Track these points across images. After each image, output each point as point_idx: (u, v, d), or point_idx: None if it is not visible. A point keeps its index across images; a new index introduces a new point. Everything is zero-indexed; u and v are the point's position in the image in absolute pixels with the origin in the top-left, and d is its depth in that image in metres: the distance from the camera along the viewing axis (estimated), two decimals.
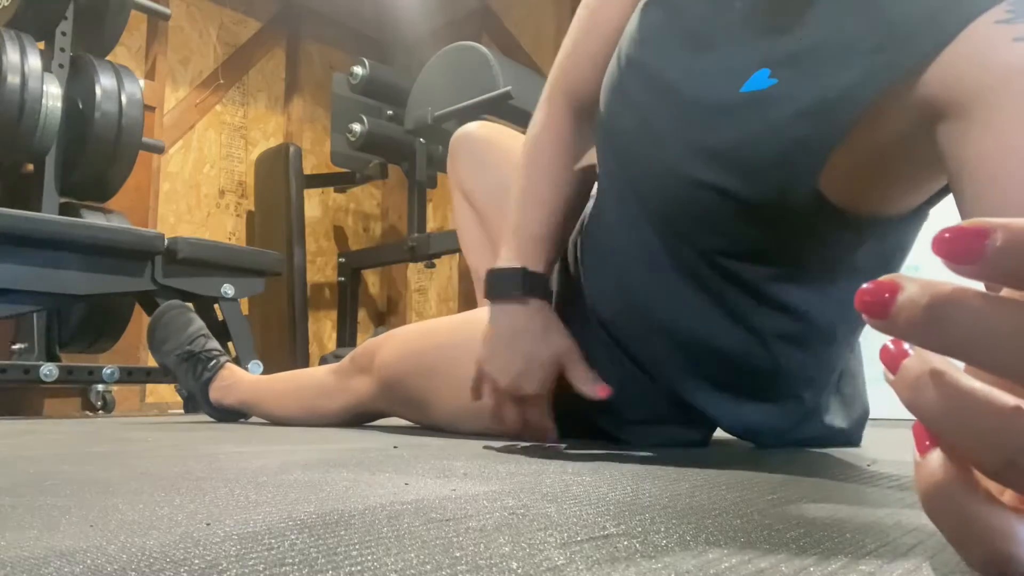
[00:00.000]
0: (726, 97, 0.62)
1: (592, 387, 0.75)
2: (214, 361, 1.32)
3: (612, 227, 0.78)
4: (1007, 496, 0.21)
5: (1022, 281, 0.18)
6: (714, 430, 0.84)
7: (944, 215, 0.65)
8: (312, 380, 1.17)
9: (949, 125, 0.50)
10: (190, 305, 1.44)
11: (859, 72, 0.55)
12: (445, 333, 0.98)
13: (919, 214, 0.66)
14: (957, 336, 0.18)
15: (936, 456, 0.20)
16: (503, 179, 1.07)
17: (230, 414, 1.33)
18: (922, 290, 0.19)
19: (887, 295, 0.19)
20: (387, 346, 1.03)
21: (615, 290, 0.80)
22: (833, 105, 0.56)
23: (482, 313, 0.95)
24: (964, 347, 0.18)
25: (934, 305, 0.18)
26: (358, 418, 1.14)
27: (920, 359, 0.20)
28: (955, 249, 0.18)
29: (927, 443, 0.21)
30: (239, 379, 1.30)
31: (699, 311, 0.72)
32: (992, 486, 0.21)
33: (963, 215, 0.49)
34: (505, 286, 0.80)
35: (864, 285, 0.20)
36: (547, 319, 0.78)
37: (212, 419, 1.36)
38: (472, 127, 1.16)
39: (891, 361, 0.20)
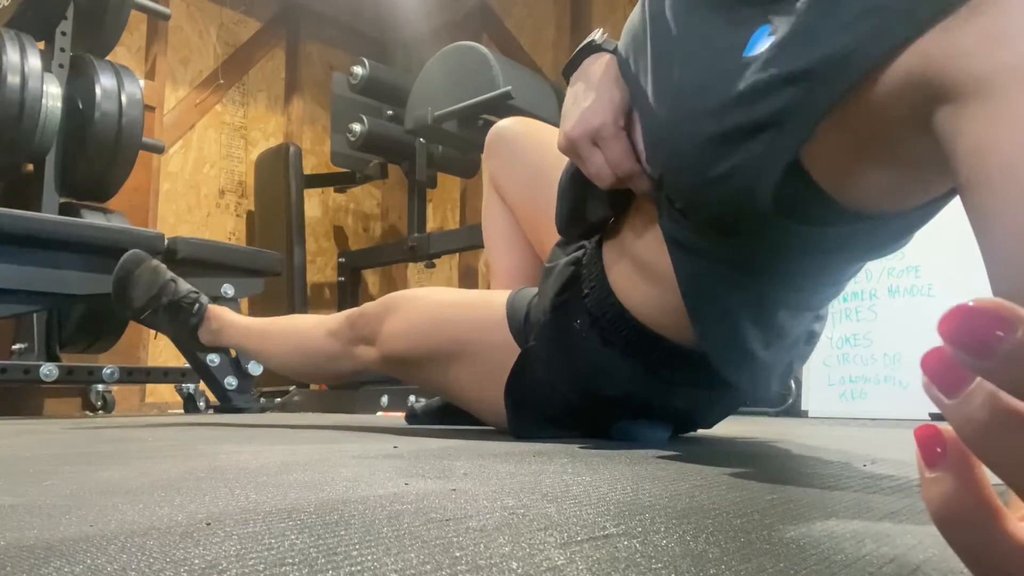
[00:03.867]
0: (727, 60, 0.59)
1: (630, 158, 0.72)
2: (196, 305, 1.28)
3: None
4: None
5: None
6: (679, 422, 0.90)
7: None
8: (313, 343, 1.14)
9: (955, 107, 0.44)
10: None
11: (850, 43, 0.51)
12: (460, 318, 0.95)
13: (899, 220, 0.61)
14: None
15: (951, 474, 0.18)
16: (539, 173, 1.06)
17: (223, 350, 1.34)
18: None
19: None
20: (392, 321, 1.00)
21: None
22: (826, 73, 0.52)
23: (501, 294, 0.94)
24: None
25: None
26: (360, 377, 1.14)
27: (989, 391, 0.16)
28: (963, 335, 0.15)
29: (938, 451, 0.18)
30: (227, 322, 1.27)
31: None
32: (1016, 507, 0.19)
33: (966, 207, 0.44)
34: (582, 47, 0.80)
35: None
36: (617, 68, 0.76)
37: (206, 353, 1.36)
38: (508, 122, 1.15)
39: (948, 382, 0.17)
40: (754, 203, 0.59)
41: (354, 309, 1.07)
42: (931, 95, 0.46)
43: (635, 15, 0.74)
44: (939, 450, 0.18)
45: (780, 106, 0.55)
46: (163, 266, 1.33)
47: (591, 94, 0.75)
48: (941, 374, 0.17)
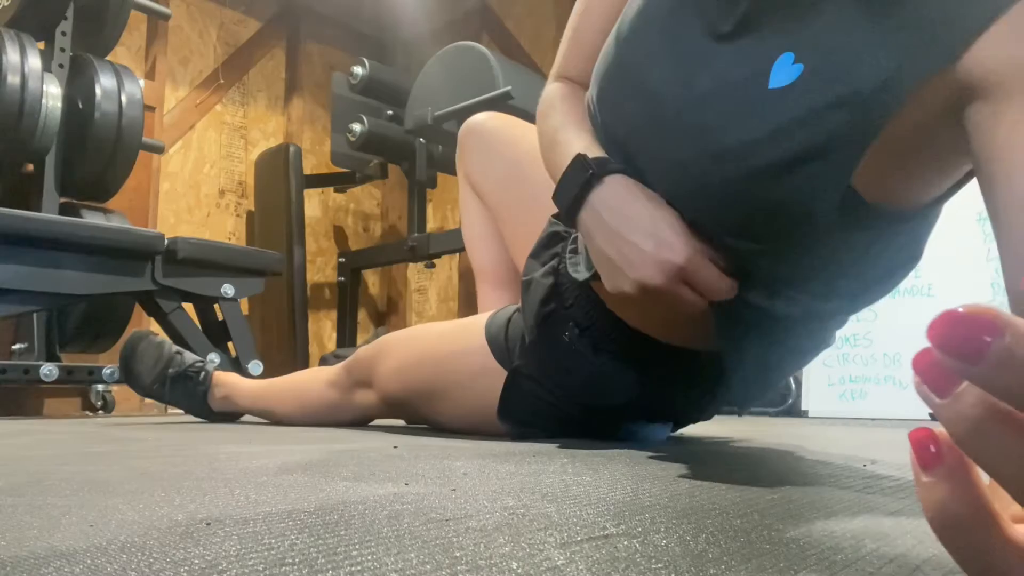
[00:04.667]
0: (750, 94, 0.57)
1: (723, 278, 0.63)
2: (202, 373, 1.30)
3: None
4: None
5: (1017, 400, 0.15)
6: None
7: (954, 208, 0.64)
8: (315, 397, 1.17)
9: (980, 106, 0.47)
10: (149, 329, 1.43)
11: (895, 60, 0.51)
12: (441, 351, 0.96)
13: (934, 208, 0.62)
14: None
15: (950, 481, 0.18)
16: (513, 168, 1.05)
17: (234, 416, 1.35)
18: None
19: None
20: (384, 363, 1.02)
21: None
22: (872, 97, 0.52)
23: (479, 319, 0.94)
24: None
25: None
26: (366, 423, 1.16)
27: (978, 391, 0.16)
28: (952, 340, 0.15)
29: (933, 454, 0.18)
30: (234, 387, 1.29)
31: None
32: (1009, 510, 0.19)
33: (987, 200, 0.46)
34: (573, 179, 0.67)
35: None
36: (639, 185, 0.65)
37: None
38: (481, 117, 1.14)
39: (939, 382, 0.17)
40: (808, 230, 0.58)
41: (350, 357, 1.10)
42: (965, 95, 0.48)
43: (609, 61, 0.69)
44: (934, 453, 0.18)
45: (828, 133, 0.54)
46: (167, 341, 1.36)
47: (642, 230, 0.63)
48: (932, 374, 0.17)
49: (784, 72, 0.56)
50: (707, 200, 0.61)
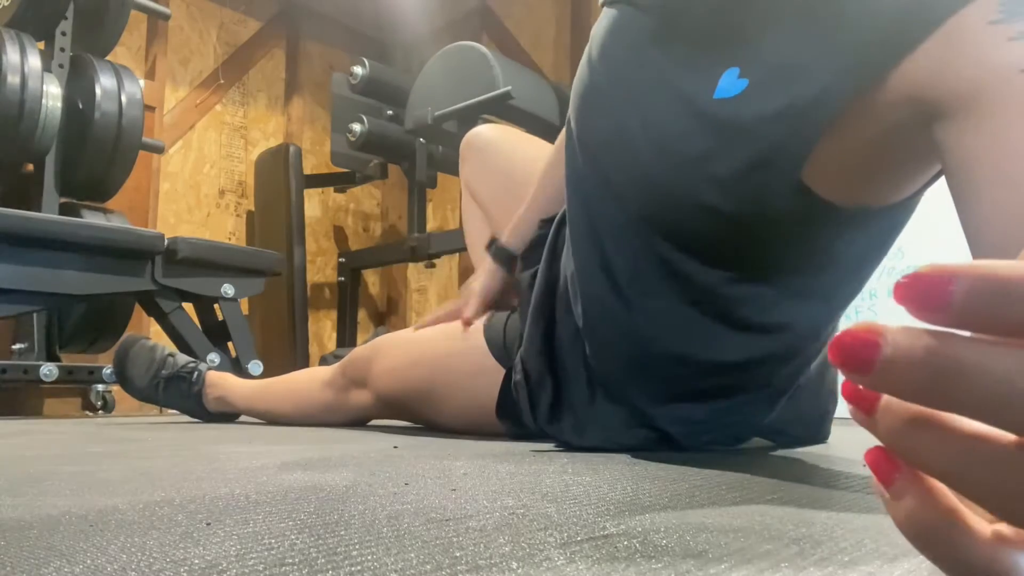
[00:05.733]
0: (698, 104, 0.61)
1: (466, 316, 0.94)
2: (196, 374, 1.30)
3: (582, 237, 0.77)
4: (1000, 524, 0.19)
5: (991, 328, 0.16)
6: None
7: (936, 204, 0.65)
8: (311, 398, 1.17)
9: (946, 123, 0.49)
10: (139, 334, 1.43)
11: (829, 77, 0.54)
12: (439, 351, 0.97)
13: (909, 203, 0.64)
14: (962, 393, 0.16)
15: (911, 492, 0.18)
16: (506, 179, 1.10)
17: (230, 416, 1.35)
18: (910, 341, 0.16)
19: (867, 349, 0.17)
20: (380, 363, 1.03)
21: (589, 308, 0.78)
22: (804, 110, 0.55)
23: (477, 320, 0.97)
24: (971, 403, 0.16)
25: (931, 361, 0.16)
26: (362, 423, 1.17)
27: (899, 400, 0.17)
28: (917, 297, 0.16)
29: (894, 474, 0.18)
30: (228, 388, 1.30)
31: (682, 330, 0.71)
32: (978, 511, 0.19)
33: (959, 214, 0.48)
34: (488, 245, 1.02)
35: (838, 335, 0.17)
36: (488, 271, 0.98)
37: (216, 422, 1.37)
38: (481, 129, 1.19)
39: (863, 400, 0.18)
40: (766, 231, 0.61)
41: (345, 358, 1.12)
42: (929, 111, 0.50)
43: (585, 83, 0.75)
44: (889, 469, 0.19)
45: (770, 142, 0.57)
46: (160, 344, 1.36)
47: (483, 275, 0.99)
48: (855, 396, 0.18)
49: (730, 85, 0.60)
50: (674, 211, 0.65)
